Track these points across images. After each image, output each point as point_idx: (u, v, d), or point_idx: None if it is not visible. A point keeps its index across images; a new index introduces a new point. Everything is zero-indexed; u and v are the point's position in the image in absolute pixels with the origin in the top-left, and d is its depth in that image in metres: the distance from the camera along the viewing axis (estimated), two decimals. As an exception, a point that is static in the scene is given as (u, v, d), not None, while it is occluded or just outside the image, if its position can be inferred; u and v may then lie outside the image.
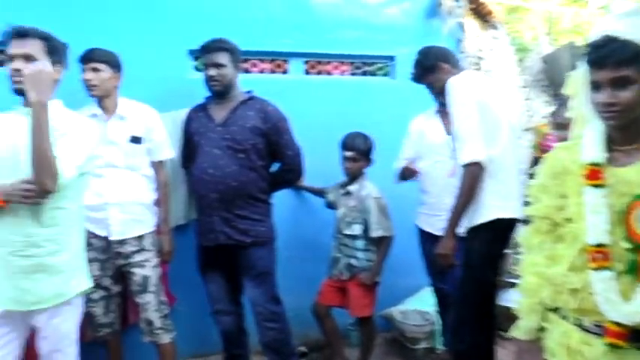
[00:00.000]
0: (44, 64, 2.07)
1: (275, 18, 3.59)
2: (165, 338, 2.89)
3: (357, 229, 3.21)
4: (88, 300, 2.75)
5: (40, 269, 2.10)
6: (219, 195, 2.88)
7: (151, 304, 2.85)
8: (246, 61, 3.41)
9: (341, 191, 3.32)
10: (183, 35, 3.35)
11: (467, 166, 2.57)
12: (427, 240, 3.18)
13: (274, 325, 2.99)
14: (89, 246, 2.71)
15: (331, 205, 3.40)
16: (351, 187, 3.27)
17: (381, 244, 3.21)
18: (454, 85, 2.66)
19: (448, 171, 3.00)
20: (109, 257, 2.85)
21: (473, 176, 2.57)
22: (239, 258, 2.97)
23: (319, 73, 3.84)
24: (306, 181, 3.48)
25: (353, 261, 3.20)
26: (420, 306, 3.66)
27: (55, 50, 2.16)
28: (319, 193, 3.52)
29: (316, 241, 3.55)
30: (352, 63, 3.91)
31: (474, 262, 2.65)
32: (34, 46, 2.10)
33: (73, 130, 2.16)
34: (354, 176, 3.27)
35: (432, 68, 2.94)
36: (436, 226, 3.03)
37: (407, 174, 3.32)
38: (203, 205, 2.96)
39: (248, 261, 2.96)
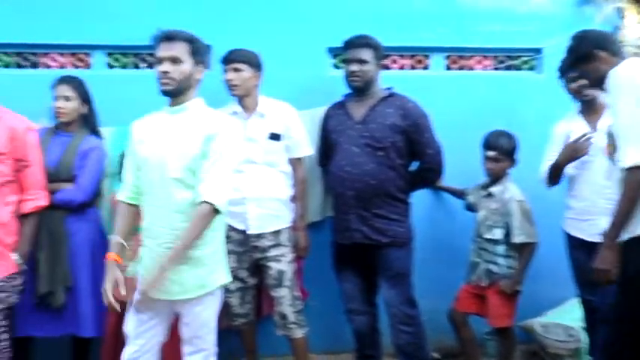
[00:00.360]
0: None
1: (415, 12, 3.49)
2: (298, 333, 2.92)
3: (498, 234, 3.03)
4: (226, 290, 2.83)
5: (184, 261, 2.18)
6: (356, 193, 2.84)
7: (286, 299, 2.89)
8: (386, 57, 3.33)
9: (482, 193, 3.15)
10: (323, 33, 3.36)
11: (630, 169, 2.28)
12: (576, 247, 2.93)
13: (409, 329, 2.91)
14: (227, 239, 2.77)
15: (471, 207, 3.25)
16: (493, 189, 3.08)
17: (524, 251, 3.00)
18: (618, 76, 2.35)
19: (599, 173, 2.76)
20: (246, 250, 2.92)
21: (637, 181, 2.28)
22: (375, 258, 2.92)
23: (461, 68, 3.68)
24: (446, 181, 3.34)
25: (493, 267, 3.02)
26: (563, 320, 3.37)
27: (199, 51, 2.24)
28: (459, 194, 3.37)
29: (454, 244, 3.42)
30: (495, 57, 3.71)
31: (633, 275, 2.37)
32: (180, 49, 2.18)
33: (222, 130, 2.21)
34: (496, 177, 3.09)
35: (588, 56, 2.59)
36: (587, 231, 2.79)
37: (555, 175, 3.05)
38: (340, 202, 2.94)
39: (384, 261, 2.90)
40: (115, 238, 2.33)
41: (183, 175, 2.18)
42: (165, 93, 2.21)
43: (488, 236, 3.05)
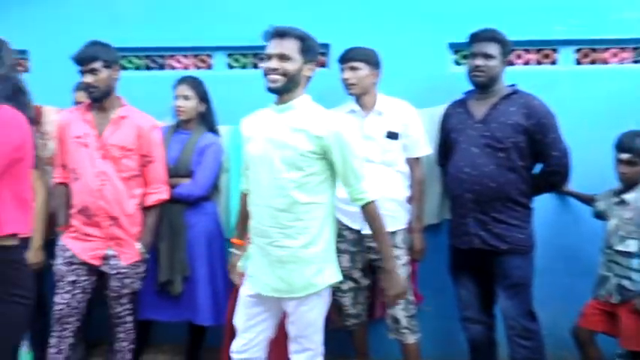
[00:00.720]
0: None
1: (542, 2, 3.26)
2: (411, 338, 2.85)
3: (632, 246, 2.76)
4: (338, 290, 2.85)
5: (293, 260, 2.17)
6: (474, 196, 2.71)
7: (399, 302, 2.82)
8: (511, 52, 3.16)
9: (614, 200, 2.89)
10: (444, 28, 3.23)
11: None
12: None
13: (527, 343, 2.73)
14: (341, 237, 2.80)
15: (600, 215, 2.98)
16: (627, 196, 2.82)
17: (663, 266, 2.72)
18: None
19: None
20: (359, 250, 2.88)
21: None
22: (493, 265, 2.77)
23: (593, 62, 3.40)
24: (573, 185, 3.10)
25: (626, 282, 2.76)
26: None
27: (309, 49, 2.19)
28: (587, 200, 3.11)
29: (579, 254, 3.19)
30: (635, 49, 3.38)
31: None
32: (290, 46, 2.14)
33: (339, 128, 2.17)
34: (630, 183, 2.82)
35: None
36: None
37: None
38: (457, 205, 2.82)
39: (503, 269, 2.74)
40: (237, 225, 2.43)
41: (290, 174, 2.14)
42: (272, 90, 2.18)
43: (620, 248, 2.79)
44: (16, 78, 1.93)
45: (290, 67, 2.13)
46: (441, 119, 2.99)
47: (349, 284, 2.90)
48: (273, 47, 2.15)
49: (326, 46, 3.27)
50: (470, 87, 2.87)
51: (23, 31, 3.46)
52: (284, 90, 2.17)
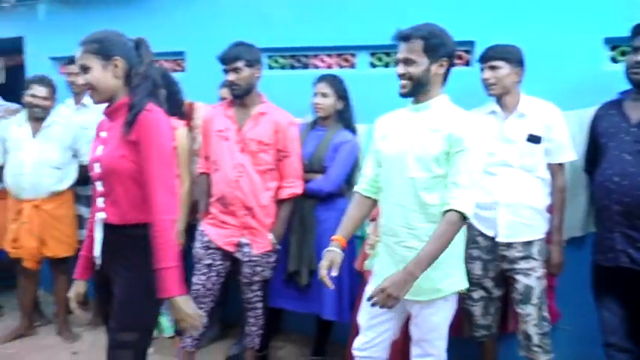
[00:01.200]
0: None
1: None
2: (542, 358, 2.63)
3: None
4: (468, 298, 2.76)
5: None
6: (623, 208, 2.42)
7: (531, 317, 2.63)
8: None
9: None
10: (600, 21, 2.91)
11: None
12: None
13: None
14: (475, 244, 2.72)
15: None
16: None
17: None
18: None
19: None
20: (493, 258, 2.74)
21: None
22: (643, 287, 2.46)
23: None
24: None
25: None
26: None
27: (436, 47, 2.11)
28: None
29: None
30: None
31: None
32: (413, 48, 2.10)
33: (467, 131, 2.08)
34: None
35: None
36: None
37: None
38: (603, 217, 2.54)
39: (653, 294, 2.43)
40: (343, 223, 2.38)
41: (423, 174, 2.11)
42: (402, 95, 2.18)
43: None
44: (155, 75, 2.05)
45: (414, 70, 2.11)
46: (591, 122, 2.71)
47: (480, 293, 2.77)
48: (400, 52, 2.15)
49: (470, 43, 3.15)
50: (627, 87, 2.57)
51: (180, 33, 3.84)
52: (413, 94, 2.17)
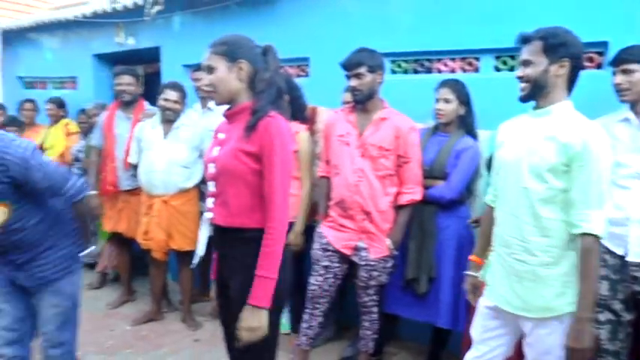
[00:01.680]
0: None
1: None
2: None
3: None
4: (594, 321, 2.56)
5: (530, 277, 2.03)
6: None
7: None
8: None
9: None
10: None
11: None
12: None
13: None
14: (601, 262, 2.52)
15: None
16: None
17: None
18: None
19: None
20: (622, 279, 2.55)
21: None
22: None
23: None
24: None
25: None
26: None
27: (555, 47, 1.99)
28: None
29: None
30: None
31: None
32: (532, 49, 2.02)
33: (590, 141, 1.94)
34: None
35: None
36: None
37: None
38: None
39: None
40: (479, 240, 2.34)
41: (538, 185, 2.00)
42: (520, 99, 2.10)
43: None
44: (280, 82, 2.06)
45: (531, 71, 2.02)
46: None
47: (607, 315, 2.58)
48: (521, 55, 2.08)
49: (603, 44, 2.95)
50: None
51: (305, 40, 3.94)
52: (531, 96, 2.07)
